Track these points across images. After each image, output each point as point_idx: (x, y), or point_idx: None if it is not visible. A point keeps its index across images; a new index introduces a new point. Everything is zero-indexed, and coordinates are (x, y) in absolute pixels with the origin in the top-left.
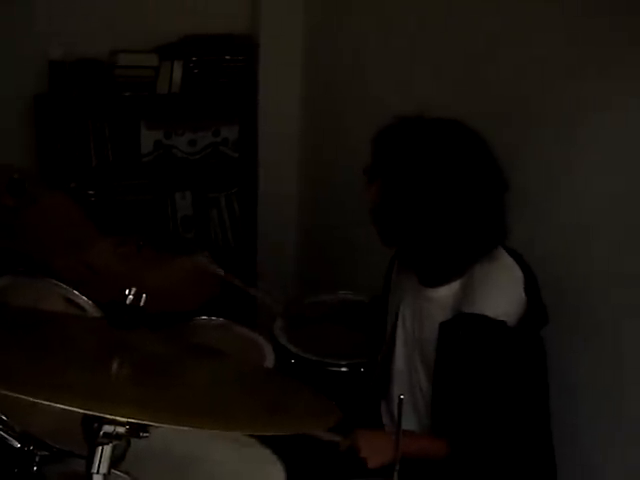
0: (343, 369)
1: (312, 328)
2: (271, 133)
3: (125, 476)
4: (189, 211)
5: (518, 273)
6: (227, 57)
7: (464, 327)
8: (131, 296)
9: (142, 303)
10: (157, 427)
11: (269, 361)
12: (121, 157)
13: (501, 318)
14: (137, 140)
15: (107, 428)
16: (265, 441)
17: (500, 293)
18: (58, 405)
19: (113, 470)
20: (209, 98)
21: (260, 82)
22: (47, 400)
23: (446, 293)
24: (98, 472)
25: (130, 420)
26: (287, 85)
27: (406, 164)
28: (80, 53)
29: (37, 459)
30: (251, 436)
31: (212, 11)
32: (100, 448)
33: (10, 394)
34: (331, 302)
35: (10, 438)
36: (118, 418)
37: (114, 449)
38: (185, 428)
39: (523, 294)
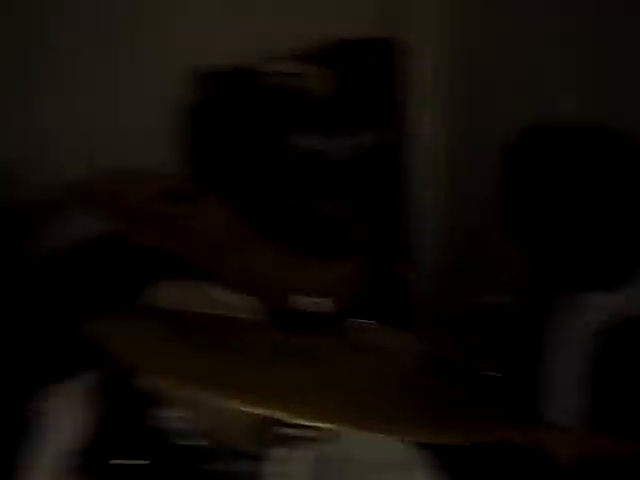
0: (495, 374)
1: (463, 331)
2: (417, 138)
3: None
4: (339, 215)
5: None
6: (373, 61)
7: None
8: (314, 302)
9: (324, 309)
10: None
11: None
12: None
13: None
14: (287, 146)
15: (287, 431)
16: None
17: None
18: (245, 408)
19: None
20: (355, 103)
21: (405, 87)
22: (232, 401)
23: (604, 299)
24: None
25: (312, 424)
26: (435, 89)
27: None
28: (228, 64)
29: (215, 457)
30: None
31: (355, 15)
32: (276, 451)
33: (202, 396)
34: None
35: (192, 436)
36: (302, 422)
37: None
38: (367, 433)
39: None
